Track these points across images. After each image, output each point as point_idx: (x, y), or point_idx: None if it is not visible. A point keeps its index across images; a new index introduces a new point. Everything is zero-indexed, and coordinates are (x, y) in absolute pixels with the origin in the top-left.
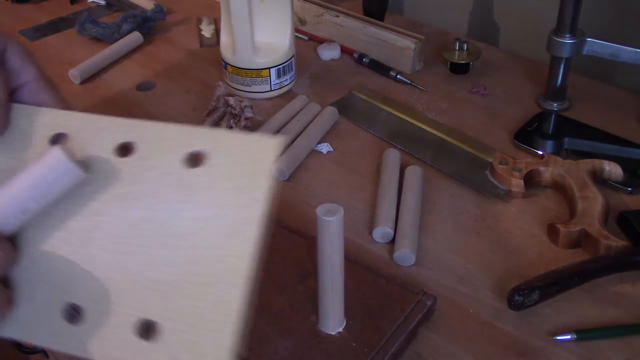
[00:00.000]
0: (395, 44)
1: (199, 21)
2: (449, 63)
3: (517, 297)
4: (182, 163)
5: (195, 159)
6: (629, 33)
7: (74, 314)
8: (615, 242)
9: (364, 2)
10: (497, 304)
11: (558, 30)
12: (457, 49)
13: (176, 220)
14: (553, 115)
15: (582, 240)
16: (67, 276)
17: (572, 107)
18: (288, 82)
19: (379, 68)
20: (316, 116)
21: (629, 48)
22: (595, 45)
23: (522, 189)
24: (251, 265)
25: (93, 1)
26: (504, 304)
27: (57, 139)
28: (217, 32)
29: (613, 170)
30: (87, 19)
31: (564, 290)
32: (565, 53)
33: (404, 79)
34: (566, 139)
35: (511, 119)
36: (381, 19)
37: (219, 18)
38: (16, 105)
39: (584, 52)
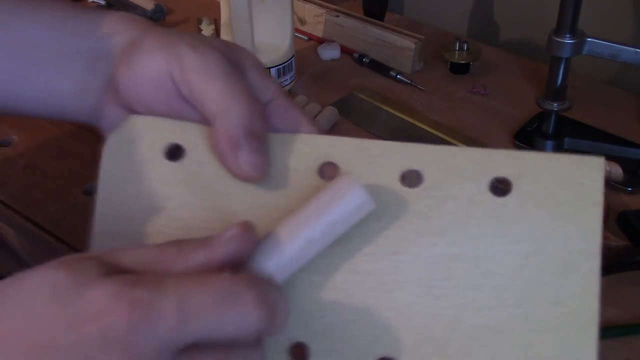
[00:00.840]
0: (395, 44)
1: (199, 21)
2: (449, 63)
3: None
4: (486, 191)
5: (500, 186)
6: (629, 33)
7: None
8: (615, 242)
9: (364, 2)
10: None
11: (558, 30)
12: (457, 49)
13: (490, 257)
14: (553, 115)
15: None
16: (373, 326)
17: (572, 107)
18: (288, 82)
19: (379, 68)
20: (316, 116)
21: (629, 48)
22: (595, 45)
23: None
24: (598, 306)
25: (93, 1)
26: None
27: (325, 170)
28: (217, 32)
29: (613, 170)
30: None
31: None
32: (565, 53)
33: (404, 79)
34: (566, 139)
35: (511, 119)
36: (381, 19)
37: (219, 18)
38: (269, 135)
39: (584, 52)
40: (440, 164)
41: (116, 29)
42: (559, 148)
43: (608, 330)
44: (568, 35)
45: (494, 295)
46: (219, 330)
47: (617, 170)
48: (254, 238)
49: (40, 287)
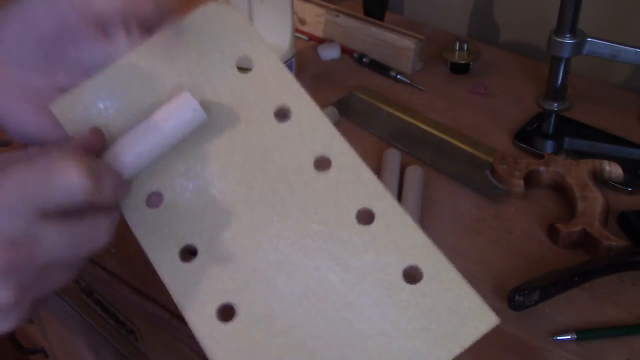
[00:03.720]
0: (395, 44)
1: None
2: (449, 63)
3: (517, 297)
4: (399, 270)
5: (409, 274)
6: (629, 33)
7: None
8: (616, 242)
9: (364, 2)
10: (497, 304)
11: (558, 30)
12: (457, 49)
13: (358, 314)
14: (553, 115)
15: (582, 240)
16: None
17: (572, 107)
18: None
19: (379, 68)
20: None
21: (629, 48)
22: (595, 45)
23: (522, 189)
24: None
25: None
26: (504, 304)
27: (281, 113)
28: None
29: (613, 170)
30: None
31: (564, 290)
32: (565, 53)
33: (404, 79)
34: (566, 139)
35: (511, 119)
36: (381, 19)
37: None
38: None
39: (584, 52)
40: (394, 218)
41: None
42: (559, 148)
43: (608, 330)
44: (568, 35)
45: (333, 341)
46: (53, 196)
47: (617, 170)
48: (102, 137)
49: None
